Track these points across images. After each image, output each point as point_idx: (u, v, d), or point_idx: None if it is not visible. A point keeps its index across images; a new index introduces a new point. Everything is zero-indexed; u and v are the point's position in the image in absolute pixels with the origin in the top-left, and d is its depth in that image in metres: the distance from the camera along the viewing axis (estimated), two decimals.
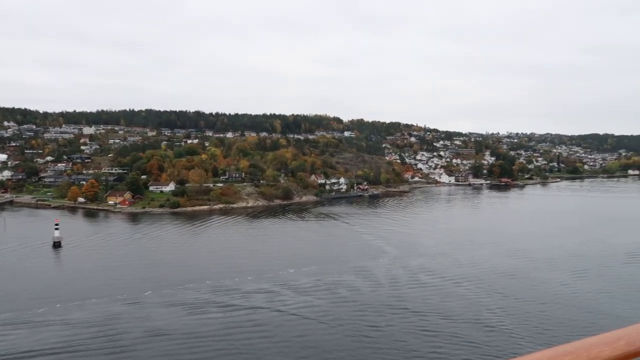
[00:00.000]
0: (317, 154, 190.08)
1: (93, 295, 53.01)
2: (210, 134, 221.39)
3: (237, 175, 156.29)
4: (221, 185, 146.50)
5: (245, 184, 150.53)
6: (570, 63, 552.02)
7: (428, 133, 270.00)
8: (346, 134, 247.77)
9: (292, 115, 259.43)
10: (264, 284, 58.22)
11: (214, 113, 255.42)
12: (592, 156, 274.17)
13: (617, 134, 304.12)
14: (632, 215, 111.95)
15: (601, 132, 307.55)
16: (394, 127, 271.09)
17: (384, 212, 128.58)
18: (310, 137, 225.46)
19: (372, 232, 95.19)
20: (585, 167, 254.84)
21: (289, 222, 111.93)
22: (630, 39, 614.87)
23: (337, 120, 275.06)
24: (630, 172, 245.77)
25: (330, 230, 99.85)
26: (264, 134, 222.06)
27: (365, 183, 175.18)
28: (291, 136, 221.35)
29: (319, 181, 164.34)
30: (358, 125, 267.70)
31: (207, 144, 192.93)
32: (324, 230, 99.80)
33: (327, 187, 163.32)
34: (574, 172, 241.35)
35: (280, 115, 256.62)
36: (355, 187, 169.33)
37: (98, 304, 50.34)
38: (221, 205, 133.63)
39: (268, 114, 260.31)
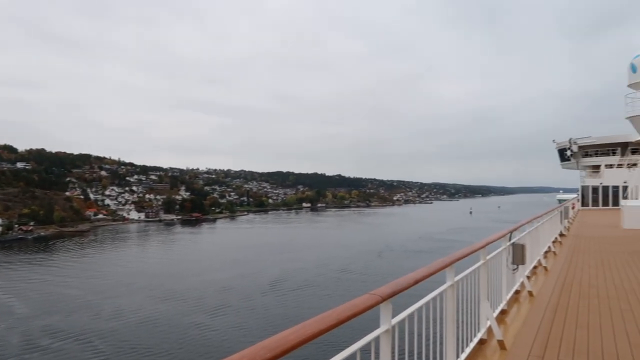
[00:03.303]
0: None
1: None
2: None
3: None
4: None
5: None
6: (263, 107, 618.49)
7: (122, 167, 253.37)
8: (19, 165, 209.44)
9: None
10: None
11: None
12: (277, 191, 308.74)
13: (296, 171, 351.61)
14: (291, 244, 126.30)
15: (284, 170, 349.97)
16: (83, 159, 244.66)
17: (44, 258, 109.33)
18: None
19: (10, 286, 77.75)
20: (270, 200, 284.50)
21: None
22: (308, 92, 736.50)
23: (10, 149, 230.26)
24: (304, 204, 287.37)
25: None
26: None
27: (32, 223, 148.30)
28: None
29: None
30: (37, 155, 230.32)
31: None
32: None
33: None
34: (260, 205, 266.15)
35: None
36: (17, 229, 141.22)
37: None
38: None
39: None
